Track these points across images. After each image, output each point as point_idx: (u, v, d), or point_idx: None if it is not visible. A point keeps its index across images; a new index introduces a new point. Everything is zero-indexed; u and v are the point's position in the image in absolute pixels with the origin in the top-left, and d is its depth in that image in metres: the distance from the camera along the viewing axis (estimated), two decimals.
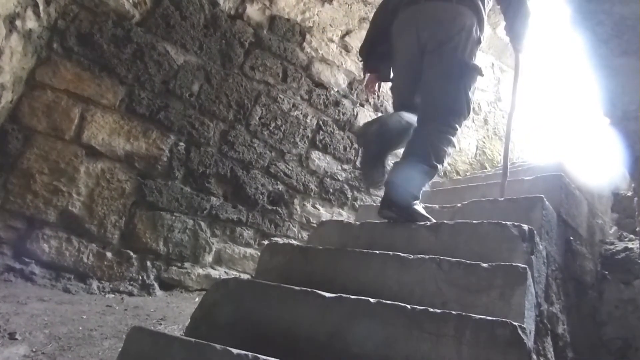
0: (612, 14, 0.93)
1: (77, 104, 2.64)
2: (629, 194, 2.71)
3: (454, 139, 2.03)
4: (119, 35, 2.76)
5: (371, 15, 3.82)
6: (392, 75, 2.35)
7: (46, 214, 2.50)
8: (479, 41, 2.11)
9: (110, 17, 2.75)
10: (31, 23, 2.34)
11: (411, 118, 2.13)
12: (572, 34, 0.98)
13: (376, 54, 2.34)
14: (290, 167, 3.34)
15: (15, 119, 2.47)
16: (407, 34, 2.14)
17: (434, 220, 1.95)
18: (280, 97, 3.34)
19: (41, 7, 2.38)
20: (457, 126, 2.03)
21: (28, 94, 2.51)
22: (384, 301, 1.37)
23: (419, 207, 1.99)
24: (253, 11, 3.29)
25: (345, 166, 3.60)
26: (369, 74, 2.47)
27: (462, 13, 2.03)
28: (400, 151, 2.13)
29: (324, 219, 3.01)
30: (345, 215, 3.53)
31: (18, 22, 2.19)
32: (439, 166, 1.99)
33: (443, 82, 2.02)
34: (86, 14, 2.68)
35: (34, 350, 1.68)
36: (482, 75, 2.12)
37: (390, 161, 2.34)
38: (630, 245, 2.42)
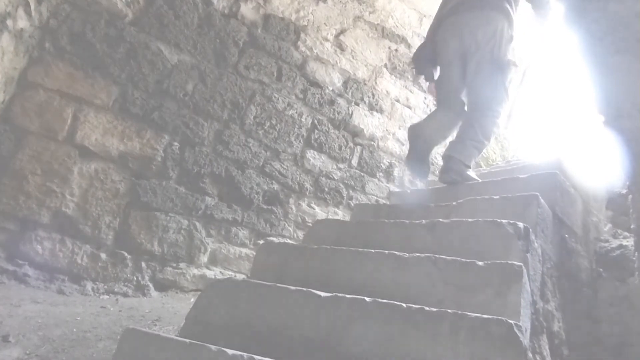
0: (607, 12, 0.92)
1: (70, 104, 2.62)
2: (624, 191, 2.71)
3: (498, 120, 2.54)
4: (111, 35, 2.74)
5: (366, 14, 3.86)
6: (437, 75, 2.77)
7: (39, 215, 2.48)
8: (510, 39, 2.54)
9: (102, 16, 2.72)
10: (22, 22, 2.31)
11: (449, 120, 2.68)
12: (566, 31, 0.98)
13: (422, 59, 2.81)
14: (285, 167, 3.33)
15: (6, 120, 2.45)
16: (450, 40, 2.59)
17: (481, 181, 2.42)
18: (275, 96, 3.33)
19: (32, 7, 2.35)
20: (500, 109, 2.53)
21: (20, 94, 2.49)
22: (380, 300, 1.37)
23: (471, 172, 2.50)
24: (247, 10, 3.28)
25: (341, 165, 3.60)
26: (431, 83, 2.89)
27: (494, 18, 2.49)
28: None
29: (319, 218, 3.00)
30: (340, 214, 3.52)
31: (9, 22, 2.17)
32: (486, 142, 2.52)
33: (483, 78, 2.50)
34: (78, 13, 2.66)
35: (27, 352, 1.67)
36: (517, 66, 2.58)
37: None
38: (624, 242, 2.43)
